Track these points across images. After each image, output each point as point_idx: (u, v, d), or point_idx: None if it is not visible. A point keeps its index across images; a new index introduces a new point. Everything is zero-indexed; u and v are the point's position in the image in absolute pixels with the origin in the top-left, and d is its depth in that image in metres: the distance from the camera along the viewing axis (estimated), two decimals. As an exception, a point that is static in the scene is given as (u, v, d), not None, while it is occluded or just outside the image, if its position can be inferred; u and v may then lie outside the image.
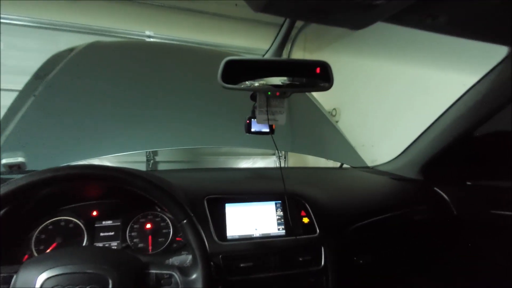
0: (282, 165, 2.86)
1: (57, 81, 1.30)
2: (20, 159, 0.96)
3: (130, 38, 2.58)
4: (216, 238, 0.82)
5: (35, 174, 0.60)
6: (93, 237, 0.83)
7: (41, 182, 0.60)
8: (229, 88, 0.61)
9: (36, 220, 0.79)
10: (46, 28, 2.35)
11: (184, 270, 0.66)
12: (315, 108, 1.74)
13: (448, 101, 1.15)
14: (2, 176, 0.89)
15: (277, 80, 0.67)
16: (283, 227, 0.91)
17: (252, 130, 0.77)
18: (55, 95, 1.26)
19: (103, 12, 2.50)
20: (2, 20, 2.20)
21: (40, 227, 0.79)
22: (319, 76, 0.64)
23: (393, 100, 2.11)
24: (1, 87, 2.10)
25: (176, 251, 0.85)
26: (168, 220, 0.89)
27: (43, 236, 0.79)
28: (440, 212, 1.20)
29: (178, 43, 2.69)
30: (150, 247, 0.85)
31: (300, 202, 0.96)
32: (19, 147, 1.04)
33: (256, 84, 0.65)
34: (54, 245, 0.78)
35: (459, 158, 1.21)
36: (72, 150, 1.14)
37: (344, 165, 1.55)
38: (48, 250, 0.78)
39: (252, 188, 1.01)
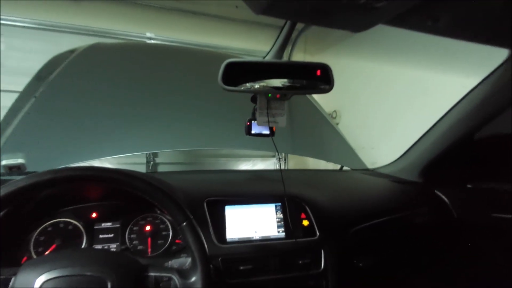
0: (282, 167, 2.85)
1: (58, 83, 1.30)
2: (20, 161, 0.96)
3: (131, 39, 2.59)
4: (215, 241, 0.82)
5: (35, 176, 0.60)
6: (92, 239, 0.82)
7: (41, 183, 0.60)
8: (230, 90, 0.61)
9: (35, 222, 0.79)
10: (47, 29, 2.36)
11: (183, 273, 0.66)
12: (315, 110, 1.74)
13: (448, 103, 1.15)
14: (2, 177, 0.89)
15: (277, 82, 0.67)
16: (283, 229, 0.91)
17: (253, 132, 0.77)
18: (55, 97, 1.27)
19: (104, 14, 2.51)
20: (3, 22, 2.21)
21: (39, 229, 0.79)
22: (320, 78, 0.64)
23: (393, 102, 2.11)
24: (2, 88, 2.10)
25: (176, 254, 0.85)
26: (168, 222, 0.88)
27: (42, 238, 0.78)
28: (441, 215, 1.20)
29: (178, 45, 2.70)
30: (149, 250, 0.85)
31: (300, 204, 0.96)
32: (19, 149, 1.04)
33: (257, 86, 0.65)
34: (53, 247, 0.78)
35: (460, 160, 1.21)
36: (72, 152, 1.14)
37: (344, 168, 1.55)
38: (47, 252, 0.77)
39: (252, 190, 1.01)
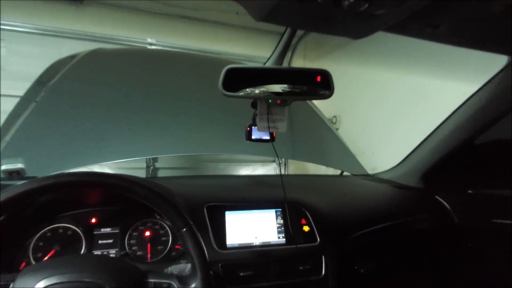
0: (283, 172, 2.85)
1: (58, 88, 1.31)
2: (20, 165, 0.96)
3: (132, 45, 2.61)
4: (215, 247, 0.82)
5: (35, 181, 0.60)
6: (91, 245, 0.82)
7: (41, 189, 0.60)
8: (230, 96, 0.61)
9: (35, 227, 0.79)
10: (48, 35, 2.37)
11: (183, 279, 0.65)
12: (316, 115, 1.74)
13: (448, 109, 1.16)
14: (1, 182, 0.89)
15: (277, 88, 0.68)
16: (283, 235, 0.90)
17: (253, 137, 0.77)
18: (56, 102, 1.27)
19: (106, 19, 2.53)
20: (5, 27, 2.22)
21: (38, 234, 0.78)
22: (320, 84, 0.65)
23: (394, 107, 2.12)
24: (3, 93, 2.11)
25: (175, 260, 0.84)
26: (167, 228, 0.88)
27: (41, 244, 0.78)
28: (441, 220, 1.19)
29: (179, 50, 2.71)
30: (149, 255, 0.84)
31: (300, 210, 0.95)
32: (19, 153, 1.03)
33: (257, 91, 0.65)
34: (52, 252, 0.78)
35: (460, 166, 1.21)
36: (72, 157, 1.14)
37: (345, 173, 1.55)
38: (45, 258, 0.77)
39: (252, 195, 1.01)
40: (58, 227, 0.81)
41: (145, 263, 0.82)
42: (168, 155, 2.38)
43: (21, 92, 1.36)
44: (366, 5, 0.44)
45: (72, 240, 0.81)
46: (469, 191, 1.21)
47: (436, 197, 1.24)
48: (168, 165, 2.57)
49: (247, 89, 0.64)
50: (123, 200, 0.75)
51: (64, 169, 1.02)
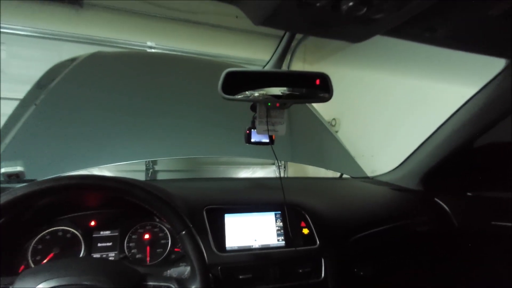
0: (282, 175, 2.85)
1: (58, 91, 1.31)
2: (19, 168, 0.96)
3: (131, 48, 2.61)
4: (215, 249, 0.82)
5: (35, 184, 0.60)
6: (90, 248, 0.82)
7: (41, 192, 0.60)
8: (230, 99, 0.62)
9: (34, 230, 0.79)
10: (48, 38, 2.38)
11: (182, 282, 0.65)
12: (315, 118, 1.75)
13: (447, 112, 1.16)
14: (1, 185, 0.89)
15: (277, 91, 0.68)
16: (282, 238, 0.90)
17: (252, 140, 0.78)
18: (56, 105, 1.27)
19: (106, 23, 2.54)
20: (5, 30, 2.23)
21: (38, 237, 0.78)
22: (319, 87, 0.65)
23: (393, 110, 2.12)
24: (2, 96, 2.11)
25: (175, 262, 0.84)
26: (167, 231, 0.88)
27: (40, 247, 0.78)
28: (441, 223, 1.19)
29: (179, 53, 2.72)
30: (148, 258, 0.84)
31: (300, 212, 0.95)
32: (19, 156, 1.03)
33: (256, 94, 0.66)
34: (51, 255, 0.78)
35: (460, 168, 1.21)
36: (72, 159, 1.14)
37: (344, 175, 1.55)
38: (45, 261, 0.77)
39: (251, 198, 1.01)
40: (57, 230, 0.80)
41: (144, 266, 0.82)
42: (168, 158, 2.39)
43: (21, 95, 1.36)
44: (365, 10, 0.45)
45: (71, 243, 0.81)
46: (469, 194, 1.22)
47: (436, 199, 1.24)
48: (167, 167, 2.57)
49: (247, 92, 0.64)
50: (122, 203, 0.75)
51: (64, 172, 1.02)
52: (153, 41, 2.66)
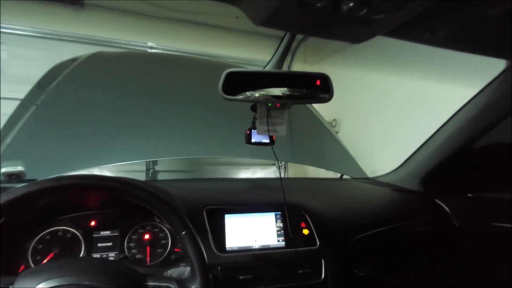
0: (282, 175, 2.85)
1: (59, 91, 1.31)
2: (19, 168, 0.96)
3: (132, 49, 2.61)
4: (215, 250, 0.82)
5: (35, 184, 0.60)
6: (90, 248, 0.82)
7: (41, 192, 0.60)
8: (230, 99, 0.62)
9: (34, 230, 0.79)
10: (49, 38, 2.38)
11: (182, 283, 0.65)
12: (315, 119, 1.75)
13: (447, 112, 1.16)
14: (1, 185, 0.89)
15: (277, 92, 0.68)
16: (283, 238, 0.90)
17: (253, 140, 0.78)
18: (56, 105, 1.27)
19: (106, 23, 2.54)
20: (5, 30, 2.23)
21: (38, 237, 0.78)
22: (319, 87, 0.65)
23: (393, 111, 2.12)
24: (3, 96, 2.11)
25: (175, 263, 0.84)
26: (167, 231, 0.88)
27: (40, 246, 0.78)
28: (441, 224, 1.19)
29: (179, 54, 2.72)
30: (148, 258, 0.84)
31: (300, 213, 0.95)
32: (19, 156, 1.03)
33: (257, 95, 0.66)
34: (51, 255, 0.78)
35: (460, 169, 1.21)
36: (72, 160, 1.14)
37: (344, 176, 1.55)
38: (45, 261, 0.77)
39: (251, 199, 1.01)
40: (58, 230, 0.80)
41: (144, 266, 0.82)
42: (168, 158, 2.39)
43: (22, 95, 1.36)
44: (365, 10, 0.45)
45: (71, 243, 0.81)
46: (469, 195, 1.21)
47: (436, 200, 1.24)
48: (167, 168, 2.57)
49: (247, 93, 0.64)
50: (122, 203, 0.75)
51: (64, 172, 1.02)
52: (153, 42, 2.66)
